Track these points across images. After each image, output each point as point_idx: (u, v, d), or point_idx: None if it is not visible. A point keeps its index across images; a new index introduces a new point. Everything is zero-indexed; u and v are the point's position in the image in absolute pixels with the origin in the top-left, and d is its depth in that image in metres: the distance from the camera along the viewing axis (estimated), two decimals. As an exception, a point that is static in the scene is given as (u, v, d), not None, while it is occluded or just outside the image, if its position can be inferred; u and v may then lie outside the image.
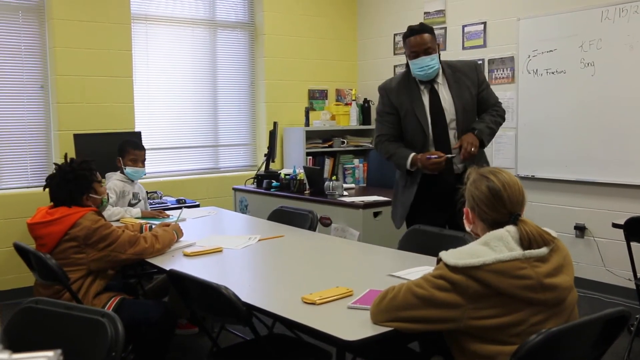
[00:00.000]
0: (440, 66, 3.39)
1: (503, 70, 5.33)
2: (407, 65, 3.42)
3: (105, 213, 3.71)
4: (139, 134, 5.11)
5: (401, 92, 3.40)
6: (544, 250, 1.84)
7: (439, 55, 3.39)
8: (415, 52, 3.31)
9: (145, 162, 4.33)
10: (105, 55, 5.14)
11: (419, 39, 3.29)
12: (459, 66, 3.46)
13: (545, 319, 1.81)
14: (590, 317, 1.82)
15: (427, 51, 3.29)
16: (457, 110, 3.35)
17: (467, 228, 2.06)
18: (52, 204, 2.98)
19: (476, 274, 1.77)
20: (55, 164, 3.09)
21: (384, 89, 3.49)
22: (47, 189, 3.01)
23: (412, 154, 3.31)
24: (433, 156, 3.23)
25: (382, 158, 3.51)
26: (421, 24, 3.43)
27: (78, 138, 4.76)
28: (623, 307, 1.89)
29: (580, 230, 4.88)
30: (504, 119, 3.51)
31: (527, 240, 1.83)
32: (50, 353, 0.93)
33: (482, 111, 3.46)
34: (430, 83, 3.38)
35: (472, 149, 3.22)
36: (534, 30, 5.03)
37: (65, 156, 3.10)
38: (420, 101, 3.37)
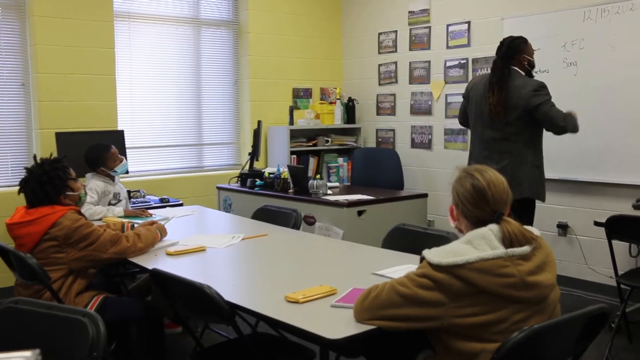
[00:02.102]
0: None
1: (487, 70, 5.35)
2: (527, 64, 4.02)
3: (87, 212, 3.68)
4: (121, 132, 5.08)
5: None
6: (526, 248, 1.85)
7: None
8: None
9: (127, 159, 4.30)
10: (87, 53, 5.10)
11: None
12: None
13: (527, 317, 1.82)
14: (572, 315, 1.83)
15: None
16: None
17: (452, 224, 2.07)
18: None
19: (459, 273, 1.77)
20: (26, 168, 3.00)
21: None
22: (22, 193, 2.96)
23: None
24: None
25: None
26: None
27: (60, 136, 4.71)
28: (604, 304, 1.90)
29: (563, 228, 4.92)
30: None
31: (509, 239, 1.84)
32: (28, 353, 0.92)
33: None
34: None
35: None
36: (517, 30, 5.03)
37: (35, 158, 3.04)
38: None
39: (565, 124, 3.80)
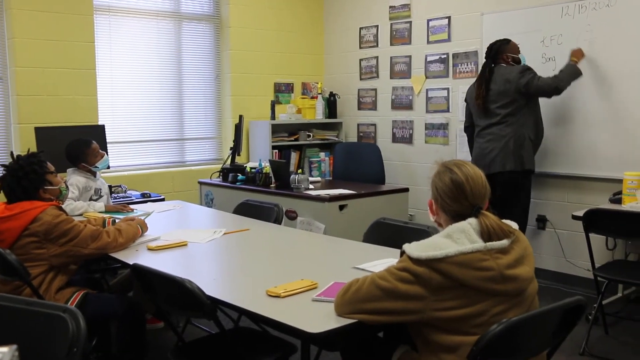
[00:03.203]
0: None
1: (467, 65, 5.39)
2: (512, 61, 4.53)
3: (68, 208, 3.65)
4: (102, 127, 5.04)
5: None
6: (505, 242, 1.87)
7: None
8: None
9: (108, 155, 4.28)
10: (66, 47, 5.04)
11: None
12: None
13: (506, 309, 1.85)
14: (549, 307, 1.86)
15: None
16: None
17: (431, 219, 2.09)
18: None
19: (439, 266, 1.79)
20: (2, 165, 2.99)
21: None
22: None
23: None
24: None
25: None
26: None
27: (40, 131, 4.67)
28: (582, 296, 1.93)
29: (542, 222, 4.98)
30: None
31: (488, 233, 1.86)
32: (4, 349, 0.92)
33: None
34: None
35: None
36: (497, 25, 5.10)
37: (12, 154, 3.02)
38: None
39: (558, 84, 4.33)
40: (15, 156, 2.97)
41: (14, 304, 1.87)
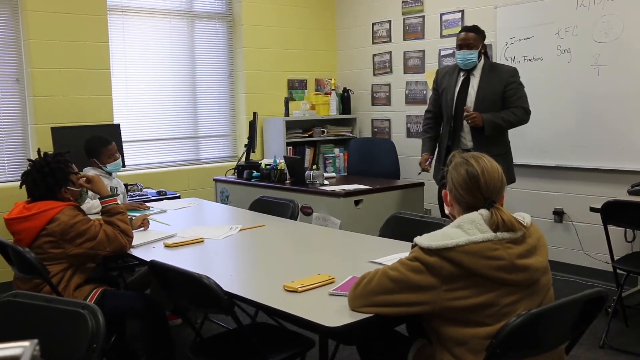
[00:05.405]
0: (483, 62, 4.22)
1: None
2: None
3: (85, 206, 3.67)
4: (117, 126, 5.07)
5: (446, 75, 4.37)
6: (516, 232, 1.86)
7: (484, 53, 4.26)
8: (459, 44, 4.21)
9: (124, 154, 4.29)
10: (81, 48, 5.08)
11: (464, 35, 4.19)
12: (499, 67, 4.30)
13: (518, 300, 1.83)
14: (569, 299, 1.85)
15: (469, 46, 4.15)
16: (477, 97, 4.18)
17: (446, 211, 2.08)
18: (29, 199, 2.94)
19: (450, 255, 1.79)
20: (29, 159, 3.02)
21: (438, 72, 4.53)
22: (24, 186, 2.96)
23: (426, 153, 4.45)
24: (424, 163, 4.41)
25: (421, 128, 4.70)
26: (474, 25, 4.27)
27: (56, 131, 4.71)
28: (601, 289, 1.91)
29: (559, 215, 4.94)
30: (518, 121, 4.18)
31: (498, 225, 1.84)
32: (26, 343, 0.92)
33: (505, 107, 4.16)
34: (468, 72, 4.24)
35: (471, 120, 4.08)
36: (511, 18, 5.06)
37: (39, 151, 3.04)
38: (455, 84, 4.28)
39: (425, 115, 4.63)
40: (42, 153, 3.00)
41: (34, 301, 1.89)
